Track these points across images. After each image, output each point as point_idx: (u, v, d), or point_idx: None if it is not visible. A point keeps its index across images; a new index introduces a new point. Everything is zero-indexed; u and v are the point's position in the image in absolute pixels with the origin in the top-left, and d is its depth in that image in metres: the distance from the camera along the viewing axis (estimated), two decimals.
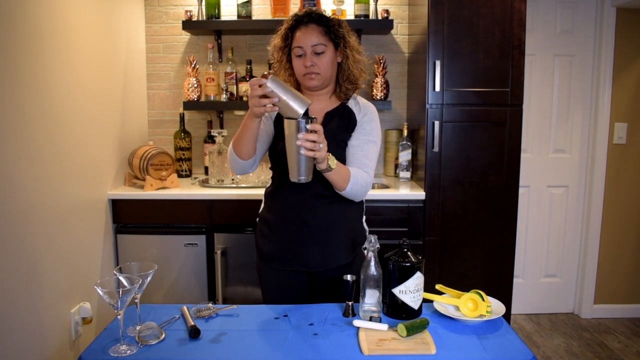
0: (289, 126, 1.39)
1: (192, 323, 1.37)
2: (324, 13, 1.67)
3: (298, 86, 1.71)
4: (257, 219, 1.81)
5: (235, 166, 1.65)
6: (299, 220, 1.65)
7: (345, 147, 1.66)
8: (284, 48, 1.66)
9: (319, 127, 1.39)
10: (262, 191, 1.83)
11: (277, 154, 1.67)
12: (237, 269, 2.53)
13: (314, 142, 1.37)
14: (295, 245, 1.66)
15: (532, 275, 3.31)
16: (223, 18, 2.91)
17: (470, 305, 1.44)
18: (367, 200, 2.28)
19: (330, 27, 1.61)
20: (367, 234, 1.79)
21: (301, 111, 1.38)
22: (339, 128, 1.66)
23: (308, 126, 1.36)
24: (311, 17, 1.62)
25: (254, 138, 1.56)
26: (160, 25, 3.03)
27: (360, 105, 1.72)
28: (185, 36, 3.03)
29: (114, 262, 2.58)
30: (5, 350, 1.73)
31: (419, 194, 2.53)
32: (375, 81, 2.91)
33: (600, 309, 3.28)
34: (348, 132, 1.67)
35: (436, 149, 2.51)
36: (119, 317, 1.28)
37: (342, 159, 1.62)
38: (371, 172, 1.64)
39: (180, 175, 2.94)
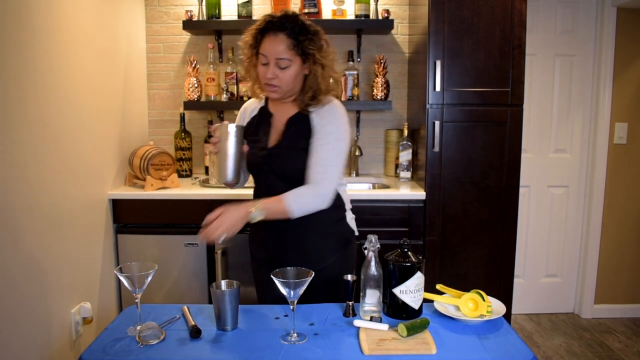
0: (221, 129, 1.52)
1: (193, 323, 1.37)
2: (301, 19, 1.54)
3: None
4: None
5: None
6: (276, 225, 1.62)
7: (306, 154, 1.60)
8: (253, 48, 1.57)
9: (220, 210, 1.49)
10: None
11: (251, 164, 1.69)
12: (237, 269, 2.53)
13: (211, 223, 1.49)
14: (277, 250, 1.70)
15: (533, 275, 3.31)
16: (223, 18, 2.91)
17: (470, 305, 1.44)
18: (368, 201, 2.27)
19: (300, 42, 1.51)
20: (354, 233, 1.78)
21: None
22: (297, 136, 1.61)
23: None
24: (283, 25, 1.50)
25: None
26: (161, 25, 3.03)
27: (322, 108, 1.62)
28: (186, 36, 3.03)
29: (114, 262, 2.58)
30: (6, 350, 1.73)
31: (420, 194, 2.53)
32: (376, 81, 2.91)
33: (601, 309, 3.28)
34: (305, 139, 1.60)
35: (437, 149, 2.51)
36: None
37: (302, 166, 1.58)
38: (327, 176, 1.56)
39: (180, 175, 2.94)
